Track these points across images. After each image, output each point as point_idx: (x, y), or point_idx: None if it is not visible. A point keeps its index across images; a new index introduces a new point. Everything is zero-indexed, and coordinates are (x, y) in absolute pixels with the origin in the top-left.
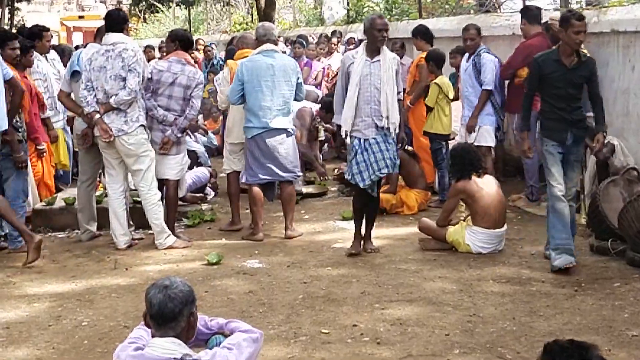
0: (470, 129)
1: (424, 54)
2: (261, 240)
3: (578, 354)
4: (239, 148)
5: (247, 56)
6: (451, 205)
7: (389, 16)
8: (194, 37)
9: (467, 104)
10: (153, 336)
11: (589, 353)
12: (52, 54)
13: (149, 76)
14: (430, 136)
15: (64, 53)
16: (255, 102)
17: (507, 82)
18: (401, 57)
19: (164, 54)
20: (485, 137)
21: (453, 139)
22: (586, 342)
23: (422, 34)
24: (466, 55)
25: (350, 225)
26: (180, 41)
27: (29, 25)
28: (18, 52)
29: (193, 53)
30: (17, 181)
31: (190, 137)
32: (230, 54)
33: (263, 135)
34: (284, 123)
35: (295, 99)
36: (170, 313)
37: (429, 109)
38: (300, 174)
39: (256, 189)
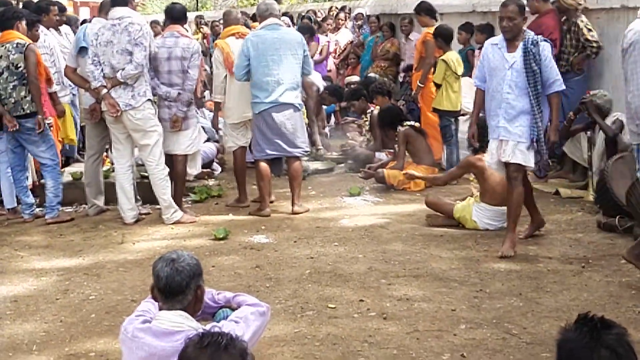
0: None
1: (429, 30)
2: (268, 215)
3: (593, 329)
4: (240, 125)
5: (234, 34)
6: (457, 172)
7: None
8: (200, 13)
9: (506, 108)
10: (160, 309)
11: (605, 332)
12: (66, 28)
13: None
14: (439, 113)
15: (70, 23)
16: (261, 77)
17: None
18: (409, 33)
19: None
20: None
21: (463, 115)
22: (613, 323)
23: (426, 10)
24: (503, 42)
25: (357, 201)
26: (171, 15)
27: None
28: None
29: (203, 28)
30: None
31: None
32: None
33: (270, 111)
34: (292, 98)
35: (303, 73)
36: (177, 286)
37: (438, 86)
38: (308, 149)
39: (263, 165)
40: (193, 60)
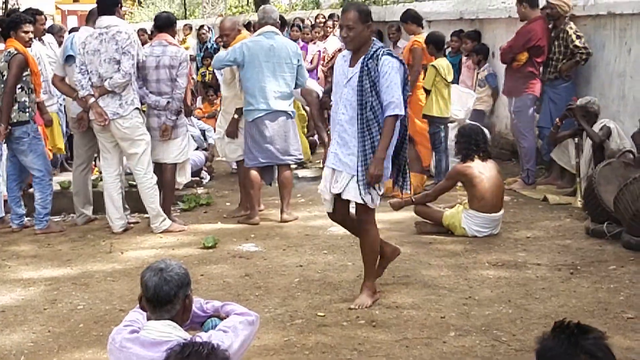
0: None
1: (416, 38)
2: (257, 223)
3: (570, 335)
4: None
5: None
6: (447, 185)
7: None
8: (187, 22)
9: (340, 131)
10: (148, 319)
11: (583, 337)
12: (49, 37)
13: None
14: (429, 119)
15: (53, 32)
16: (255, 84)
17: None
18: (397, 41)
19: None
20: None
21: (452, 122)
22: (591, 327)
23: (412, 18)
24: (349, 54)
25: None
26: (157, 24)
27: (23, 8)
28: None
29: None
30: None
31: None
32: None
33: (263, 118)
34: (285, 106)
35: (296, 84)
36: (165, 296)
37: (427, 92)
38: (301, 156)
39: (254, 173)
40: (181, 68)
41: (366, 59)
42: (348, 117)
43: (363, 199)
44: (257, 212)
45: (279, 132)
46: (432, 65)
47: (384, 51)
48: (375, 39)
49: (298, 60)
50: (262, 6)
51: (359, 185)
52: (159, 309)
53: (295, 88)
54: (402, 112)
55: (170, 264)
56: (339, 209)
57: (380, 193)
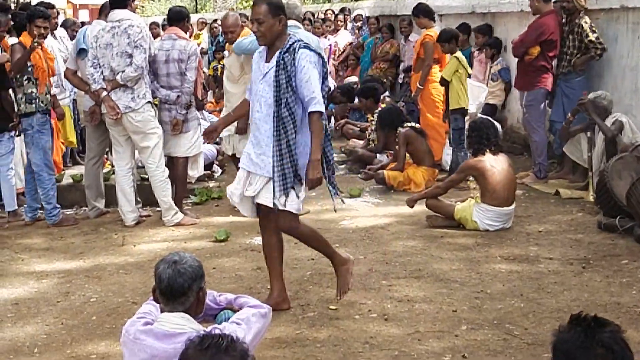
0: None
1: (428, 32)
2: None
3: (587, 328)
4: None
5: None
6: (457, 178)
7: None
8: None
9: (254, 130)
10: (162, 311)
11: (599, 330)
12: (61, 31)
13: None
14: (456, 112)
15: (66, 26)
16: None
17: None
18: (409, 35)
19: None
20: None
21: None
22: (607, 321)
23: (424, 12)
24: (265, 49)
25: (357, 202)
26: (169, 17)
27: (34, 2)
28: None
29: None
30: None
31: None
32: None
33: None
34: None
35: None
36: (179, 288)
37: (443, 83)
38: None
39: None
40: (190, 62)
41: (282, 53)
42: (263, 115)
43: (276, 202)
44: None
45: None
46: (455, 56)
47: (300, 44)
48: (291, 33)
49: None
50: (286, 1)
51: (274, 188)
52: (173, 301)
53: None
54: (323, 108)
55: (184, 257)
56: (264, 212)
57: (301, 198)
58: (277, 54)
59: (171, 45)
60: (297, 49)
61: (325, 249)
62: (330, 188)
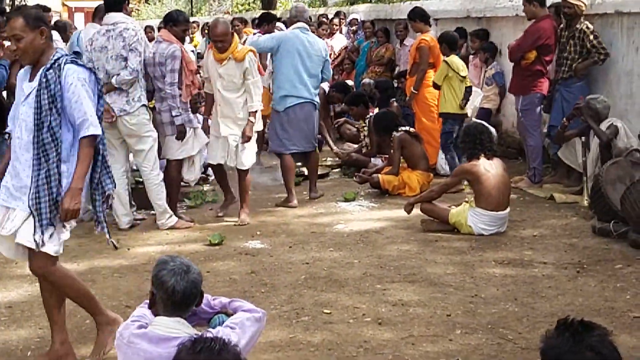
0: None
1: (424, 36)
2: (296, 206)
3: (575, 332)
4: None
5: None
6: (451, 182)
7: None
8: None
9: (14, 160)
10: (155, 315)
11: (587, 334)
12: (55, 34)
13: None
14: (444, 117)
15: (60, 29)
16: (291, 70)
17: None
18: (404, 39)
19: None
20: None
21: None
22: (595, 324)
23: (420, 16)
24: (29, 69)
25: (352, 206)
26: (165, 21)
27: (30, 5)
28: None
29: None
30: None
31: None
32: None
33: (296, 108)
34: (313, 96)
35: (322, 78)
36: (193, 298)
37: (436, 87)
38: (317, 143)
39: (289, 158)
40: (167, 64)
41: (45, 70)
42: (24, 142)
43: (37, 239)
44: (295, 196)
45: (307, 121)
46: (445, 60)
47: (67, 59)
48: (59, 47)
49: (325, 55)
50: (294, 4)
51: (34, 224)
52: (180, 310)
53: (320, 82)
54: (99, 131)
55: (189, 265)
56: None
57: (63, 239)
58: (40, 71)
59: (156, 48)
60: (62, 64)
61: (89, 303)
62: (104, 225)
